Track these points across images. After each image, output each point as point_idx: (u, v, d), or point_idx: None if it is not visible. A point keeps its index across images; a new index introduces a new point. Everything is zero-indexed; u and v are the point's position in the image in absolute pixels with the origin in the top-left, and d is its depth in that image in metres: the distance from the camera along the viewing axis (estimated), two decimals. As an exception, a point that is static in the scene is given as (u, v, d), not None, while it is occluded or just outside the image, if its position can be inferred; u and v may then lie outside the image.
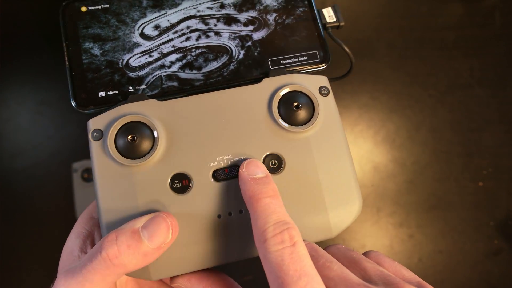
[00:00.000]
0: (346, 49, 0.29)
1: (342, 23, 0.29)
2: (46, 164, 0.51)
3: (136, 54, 0.27)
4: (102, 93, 0.26)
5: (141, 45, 0.27)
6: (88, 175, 0.49)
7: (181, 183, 0.24)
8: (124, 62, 0.27)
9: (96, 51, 0.27)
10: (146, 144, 0.24)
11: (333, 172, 0.25)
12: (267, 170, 0.23)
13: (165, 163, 0.24)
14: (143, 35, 0.28)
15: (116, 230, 0.22)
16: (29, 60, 0.52)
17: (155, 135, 0.24)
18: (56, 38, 0.52)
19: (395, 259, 0.55)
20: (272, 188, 0.22)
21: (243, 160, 0.24)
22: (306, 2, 0.29)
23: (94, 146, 0.25)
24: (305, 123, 0.25)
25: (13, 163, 0.51)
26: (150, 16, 0.28)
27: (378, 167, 0.52)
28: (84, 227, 0.26)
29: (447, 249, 0.51)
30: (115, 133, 0.24)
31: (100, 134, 0.24)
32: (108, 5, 0.28)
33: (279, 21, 0.28)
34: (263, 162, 0.24)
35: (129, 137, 0.24)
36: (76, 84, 0.27)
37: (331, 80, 0.28)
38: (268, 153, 0.25)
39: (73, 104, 0.26)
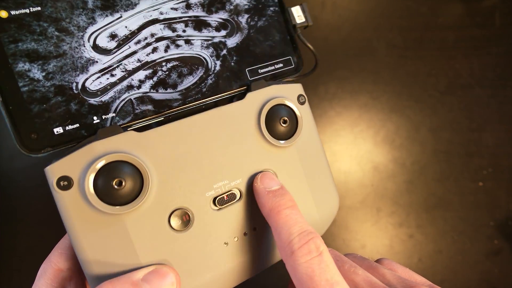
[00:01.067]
0: (313, 50, 0.29)
1: (310, 23, 0.28)
2: (46, 164, 0.51)
3: (93, 74, 0.21)
4: (58, 130, 0.21)
5: (97, 61, 0.22)
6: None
7: (181, 219, 0.22)
8: (80, 86, 0.21)
9: (37, 74, 0.20)
10: (135, 186, 0.20)
11: (316, 175, 0.26)
12: (280, 182, 0.23)
13: (159, 202, 0.21)
14: (97, 48, 0.22)
15: (111, 280, 0.19)
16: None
17: (144, 174, 0.20)
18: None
19: (395, 259, 0.55)
20: (290, 199, 0.22)
21: (238, 182, 0.23)
22: (275, 0, 0.27)
23: (63, 197, 0.20)
24: (291, 136, 0.25)
25: (13, 163, 0.51)
26: (101, 22, 0.22)
27: (378, 167, 0.52)
28: (52, 284, 0.22)
29: (447, 249, 0.51)
30: (93, 178, 0.20)
31: (70, 183, 0.20)
32: (39, 8, 0.20)
33: (251, 23, 0.26)
34: None
35: (115, 181, 0.20)
36: (18, 122, 0.20)
37: (298, 77, 0.28)
38: (261, 169, 0.24)
39: (21, 149, 0.20)
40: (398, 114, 0.52)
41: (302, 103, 0.26)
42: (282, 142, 0.25)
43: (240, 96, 0.25)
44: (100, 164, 0.20)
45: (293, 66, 0.28)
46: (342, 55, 0.53)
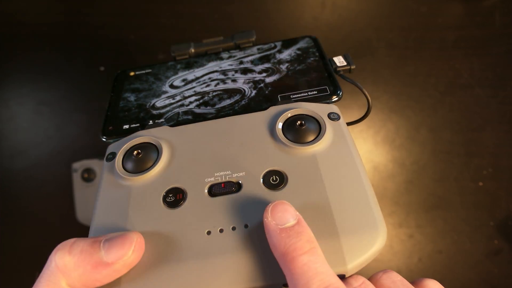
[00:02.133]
0: (362, 88, 0.28)
1: (353, 67, 0.29)
2: (46, 164, 0.51)
3: (162, 98, 0.31)
4: (125, 126, 0.29)
5: (168, 92, 0.31)
6: (88, 175, 0.49)
7: (175, 197, 0.23)
8: (151, 104, 0.30)
9: (132, 98, 0.32)
10: (149, 160, 0.24)
11: (346, 194, 0.21)
12: (297, 213, 0.19)
13: (162, 177, 0.24)
14: (171, 86, 0.32)
15: (82, 238, 0.20)
16: (29, 60, 0.52)
17: (159, 151, 0.25)
18: (56, 38, 0.52)
19: (395, 259, 0.55)
20: (309, 240, 0.18)
21: (241, 175, 0.23)
22: (317, 54, 0.31)
23: (105, 166, 0.26)
24: (311, 141, 0.23)
25: (13, 163, 0.51)
26: (180, 74, 0.33)
27: (378, 167, 0.52)
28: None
29: (447, 249, 0.51)
30: (125, 152, 0.26)
31: (113, 156, 0.26)
32: (150, 70, 0.34)
33: (290, 68, 0.30)
34: (263, 179, 0.23)
35: (135, 152, 0.25)
36: (108, 121, 0.30)
37: (349, 124, 0.27)
38: (269, 169, 0.23)
39: (102, 137, 0.29)
40: (398, 114, 0.52)
41: (335, 119, 0.25)
42: (296, 144, 0.23)
43: (265, 108, 0.27)
44: (132, 143, 0.26)
45: (328, 93, 0.27)
46: (342, 55, 0.53)
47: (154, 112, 0.29)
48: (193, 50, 0.35)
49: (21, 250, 0.51)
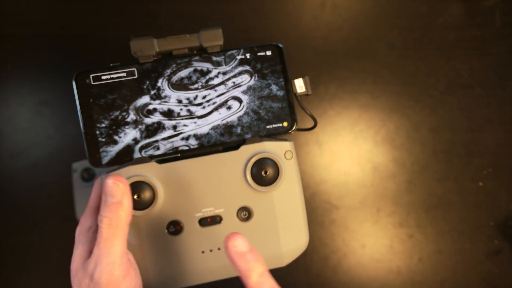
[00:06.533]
0: (311, 113, 0.35)
1: (309, 93, 0.34)
2: (46, 164, 0.51)
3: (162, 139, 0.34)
4: (112, 156, 0.32)
5: (141, 119, 0.33)
6: (88, 175, 0.49)
7: (175, 228, 0.32)
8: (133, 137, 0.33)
9: (106, 120, 0.33)
10: (148, 199, 0.31)
11: (288, 218, 0.32)
12: (248, 243, 0.27)
13: (163, 213, 0.31)
14: (144, 113, 0.33)
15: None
16: (29, 60, 0.52)
17: (155, 192, 0.31)
18: (56, 38, 0.52)
19: (395, 259, 0.55)
20: (259, 262, 0.26)
21: (221, 211, 0.32)
22: (280, 78, 0.34)
23: None
24: (271, 183, 0.31)
25: (13, 163, 0.51)
26: (146, 98, 0.33)
27: (378, 167, 0.52)
28: (86, 235, 0.30)
29: (447, 249, 0.51)
30: None
31: None
32: (115, 80, 0.33)
33: (256, 94, 0.34)
34: (237, 214, 0.32)
35: (135, 196, 0.30)
36: (91, 147, 0.32)
37: (299, 130, 0.34)
38: (241, 206, 0.32)
39: (91, 164, 0.33)
40: (398, 114, 0.52)
41: (289, 158, 0.32)
42: (261, 187, 0.31)
43: (237, 147, 0.32)
44: (129, 182, 0.29)
45: (287, 127, 0.33)
46: (342, 55, 0.53)
47: (137, 144, 0.32)
48: (157, 50, 0.32)
49: (21, 250, 0.51)
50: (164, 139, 0.32)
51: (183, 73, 0.33)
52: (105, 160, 0.32)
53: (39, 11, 0.53)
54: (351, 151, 0.52)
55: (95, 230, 0.30)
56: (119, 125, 0.32)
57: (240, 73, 0.33)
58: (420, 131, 0.52)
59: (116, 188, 0.28)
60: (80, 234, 0.30)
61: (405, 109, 0.52)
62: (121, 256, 0.28)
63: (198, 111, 0.33)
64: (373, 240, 0.51)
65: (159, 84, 0.33)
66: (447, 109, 0.52)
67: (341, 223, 0.51)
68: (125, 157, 0.32)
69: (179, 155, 0.32)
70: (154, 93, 0.33)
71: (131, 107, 0.32)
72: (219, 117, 0.33)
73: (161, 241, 0.31)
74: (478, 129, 0.52)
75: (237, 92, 0.33)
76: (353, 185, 0.52)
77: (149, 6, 0.52)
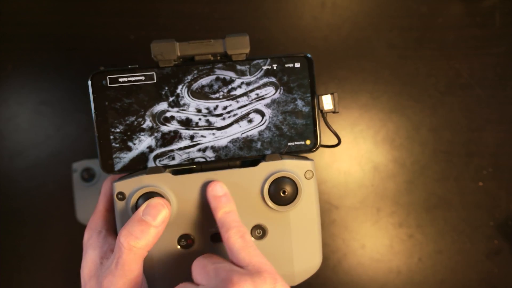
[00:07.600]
0: (335, 132, 0.33)
1: (337, 111, 0.32)
2: (46, 164, 0.51)
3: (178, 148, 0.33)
4: (126, 163, 0.31)
5: (159, 126, 0.32)
6: (88, 175, 0.49)
7: (186, 241, 0.31)
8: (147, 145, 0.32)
9: (121, 125, 0.32)
10: None
11: (303, 238, 0.31)
12: (226, 190, 0.29)
13: (175, 225, 0.30)
14: (161, 121, 0.32)
15: (125, 226, 0.27)
16: (29, 60, 0.52)
17: (168, 204, 0.29)
18: (56, 38, 0.52)
19: (395, 259, 0.55)
20: (229, 202, 0.29)
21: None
22: (307, 94, 0.32)
23: (118, 205, 0.30)
24: (289, 203, 0.30)
25: (13, 163, 0.51)
26: (165, 105, 0.32)
27: (378, 167, 0.52)
28: (97, 240, 0.30)
29: (447, 249, 0.51)
30: (136, 199, 0.29)
31: (123, 196, 0.30)
32: (134, 83, 0.32)
33: (279, 109, 0.32)
34: (251, 231, 0.31)
35: None
36: (103, 152, 0.31)
37: (322, 146, 0.33)
38: (256, 224, 0.31)
39: (103, 171, 0.31)
40: (398, 114, 0.52)
41: (309, 178, 0.31)
42: (279, 207, 0.30)
43: (255, 162, 0.31)
44: (142, 192, 0.29)
45: (310, 146, 0.32)
46: (342, 55, 0.53)
47: (152, 152, 0.31)
48: (179, 54, 0.31)
49: (21, 250, 0.51)
50: (180, 149, 0.31)
51: (205, 80, 0.31)
52: (117, 166, 0.31)
53: (39, 11, 0.53)
54: (351, 151, 0.52)
55: (105, 235, 0.30)
56: (134, 131, 0.31)
57: (264, 85, 0.31)
58: (420, 131, 0.52)
59: (161, 211, 0.27)
60: (90, 238, 0.30)
61: (405, 109, 0.52)
62: (137, 276, 0.27)
63: (218, 122, 0.31)
64: (373, 240, 0.51)
65: (178, 90, 0.31)
66: (447, 109, 0.52)
67: (341, 223, 0.51)
68: (138, 165, 0.31)
69: (194, 166, 0.31)
70: (173, 100, 0.31)
71: (148, 113, 0.31)
72: (239, 130, 0.31)
73: (171, 254, 0.30)
74: (478, 129, 0.52)
75: (260, 105, 0.31)
76: (353, 185, 0.52)
77: (149, 6, 0.52)
